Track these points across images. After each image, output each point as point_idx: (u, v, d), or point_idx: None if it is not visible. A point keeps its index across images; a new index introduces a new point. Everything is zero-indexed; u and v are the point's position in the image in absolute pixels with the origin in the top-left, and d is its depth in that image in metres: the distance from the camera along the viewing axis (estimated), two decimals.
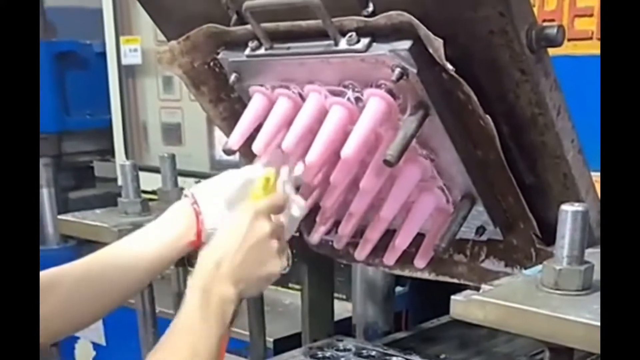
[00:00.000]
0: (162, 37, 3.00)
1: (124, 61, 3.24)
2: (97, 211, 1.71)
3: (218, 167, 2.98)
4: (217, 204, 1.27)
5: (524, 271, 1.11)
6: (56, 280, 1.20)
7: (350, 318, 2.22)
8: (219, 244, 1.14)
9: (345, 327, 2.12)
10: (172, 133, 3.16)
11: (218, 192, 1.28)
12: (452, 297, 1.01)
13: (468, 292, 1.02)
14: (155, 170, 2.13)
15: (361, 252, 1.42)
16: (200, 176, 2.94)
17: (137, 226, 1.56)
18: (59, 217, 1.74)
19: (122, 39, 3.22)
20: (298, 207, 1.29)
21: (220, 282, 1.09)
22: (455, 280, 1.44)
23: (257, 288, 1.20)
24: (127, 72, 3.28)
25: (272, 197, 1.21)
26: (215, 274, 1.10)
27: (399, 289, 2.30)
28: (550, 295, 0.98)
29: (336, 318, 1.93)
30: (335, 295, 1.96)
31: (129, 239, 1.28)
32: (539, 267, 1.05)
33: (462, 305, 1.01)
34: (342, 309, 2.24)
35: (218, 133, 2.94)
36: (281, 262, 1.19)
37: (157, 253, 1.25)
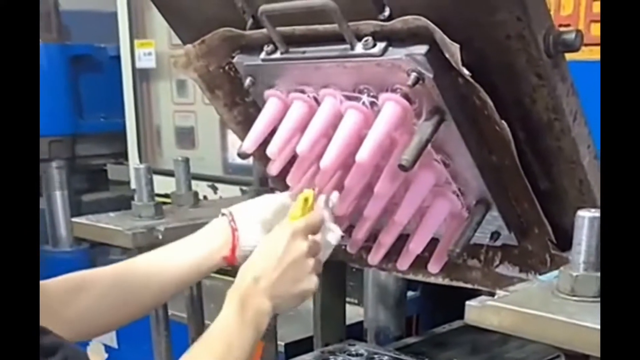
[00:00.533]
0: (176, 41, 3.02)
1: (138, 65, 3.25)
2: (111, 214, 1.71)
3: (231, 170, 2.99)
4: (253, 225, 1.34)
5: (539, 277, 1.11)
6: (91, 281, 1.26)
7: (361, 322, 2.22)
8: (258, 260, 1.21)
9: (357, 332, 2.12)
10: (186, 137, 3.17)
11: (255, 213, 1.35)
12: (467, 302, 1.01)
13: (483, 297, 1.01)
14: (169, 173, 2.13)
15: (374, 257, 1.42)
16: (213, 180, 2.95)
17: (150, 229, 1.57)
18: (73, 219, 1.74)
19: (136, 42, 3.23)
20: (334, 234, 1.32)
21: (258, 295, 1.16)
22: (469, 286, 1.43)
23: (292, 303, 1.25)
24: (141, 76, 3.29)
25: (309, 217, 1.26)
26: (253, 288, 1.16)
27: (410, 293, 2.30)
28: (567, 302, 0.97)
29: (347, 322, 1.93)
30: (347, 299, 1.96)
31: (164, 249, 1.35)
32: (555, 273, 1.04)
33: (476, 311, 1.00)
34: (353, 313, 2.24)
35: (231, 137, 2.94)
36: (316, 280, 1.24)
37: (191, 265, 1.32)
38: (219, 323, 1.14)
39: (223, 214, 1.37)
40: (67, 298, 1.22)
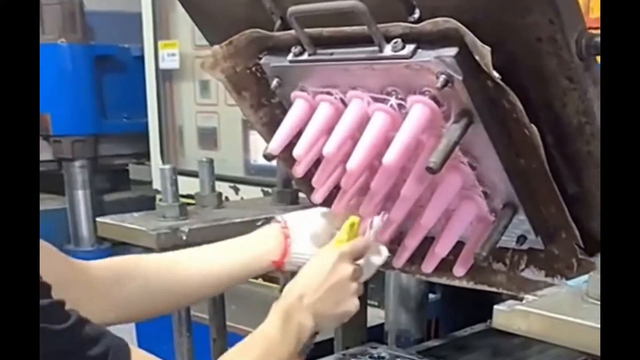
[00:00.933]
0: (200, 42, 3.03)
1: (162, 65, 3.26)
2: (135, 214, 1.71)
3: (252, 172, 2.99)
4: (304, 234, 1.39)
5: (568, 282, 1.10)
6: (140, 267, 1.30)
7: (382, 325, 2.21)
8: (304, 279, 1.26)
9: (378, 334, 2.11)
10: (208, 137, 3.18)
11: (306, 224, 1.41)
12: (495, 306, 1.00)
13: (511, 302, 1.01)
14: (191, 174, 2.14)
15: (399, 260, 1.42)
16: (235, 181, 2.96)
17: (175, 230, 1.57)
18: (98, 219, 1.74)
19: (160, 43, 3.25)
20: (379, 255, 1.37)
21: (301, 312, 1.21)
22: (493, 289, 1.42)
23: (333, 323, 1.32)
24: (164, 76, 3.31)
25: (355, 242, 1.31)
26: (298, 304, 1.22)
27: (430, 296, 2.29)
28: (597, 307, 0.96)
29: (368, 325, 1.92)
30: (368, 302, 1.95)
31: (216, 246, 1.39)
32: (584, 277, 1.03)
33: (504, 316, 1.00)
34: (373, 315, 2.23)
35: (253, 138, 2.95)
36: (357, 303, 1.29)
37: (241, 263, 1.36)
38: (261, 331, 1.18)
39: (277, 221, 1.41)
40: (115, 281, 1.25)
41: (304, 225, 1.40)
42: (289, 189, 1.86)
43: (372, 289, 2.26)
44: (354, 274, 1.28)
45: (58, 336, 0.87)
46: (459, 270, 1.38)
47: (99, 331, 0.93)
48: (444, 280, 1.48)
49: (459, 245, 1.37)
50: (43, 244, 1.03)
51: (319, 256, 1.29)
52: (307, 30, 1.24)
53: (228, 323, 1.78)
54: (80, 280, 1.16)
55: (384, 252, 1.38)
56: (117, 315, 1.07)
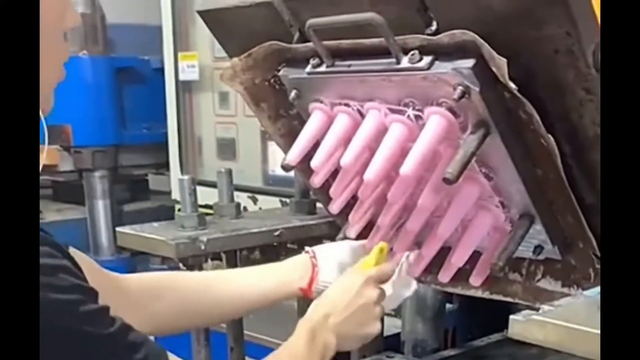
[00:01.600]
0: (219, 54, 3.04)
1: (181, 77, 3.28)
2: (155, 224, 1.72)
3: (271, 182, 3.01)
4: (332, 264, 1.43)
5: (584, 292, 1.10)
6: (173, 286, 1.36)
7: (398, 334, 2.20)
8: (331, 298, 1.29)
9: (394, 344, 2.11)
10: (227, 148, 3.19)
11: (334, 254, 1.45)
12: (511, 316, 1.00)
13: (527, 312, 1.01)
14: (209, 184, 2.15)
15: (415, 269, 1.43)
16: (253, 191, 2.97)
17: (194, 240, 1.59)
18: (118, 229, 1.76)
19: (180, 55, 3.27)
20: (408, 287, 1.43)
21: (326, 331, 1.24)
22: (508, 299, 1.42)
23: (354, 344, 1.35)
24: (184, 88, 3.33)
25: (382, 267, 1.35)
26: (323, 323, 1.24)
27: (447, 306, 2.28)
28: None
29: (385, 334, 1.92)
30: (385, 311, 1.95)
31: (247, 270, 1.47)
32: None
33: (521, 325, 1.00)
34: (390, 325, 2.23)
35: (271, 149, 2.96)
36: (379, 326, 1.32)
37: (269, 288, 1.41)
38: (288, 347, 1.21)
39: (306, 252, 1.45)
40: (150, 295, 1.31)
41: (331, 255, 1.44)
42: (307, 199, 1.87)
43: None
44: (379, 298, 1.30)
45: (107, 340, 0.89)
46: (475, 280, 1.38)
47: (141, 338, 0.95)
48: (460, 290, 1.48)
49: (476, 255, 1.38)
50: (81, 255, 1.06)
51: (346, 277, 1.32)
52: (325, 42, 1.25)
53: (245, 332, 1.79)
54: (116, 291, 1.20)
55: (414, 285, 1.43)
56: (149, 328, 1.10)
